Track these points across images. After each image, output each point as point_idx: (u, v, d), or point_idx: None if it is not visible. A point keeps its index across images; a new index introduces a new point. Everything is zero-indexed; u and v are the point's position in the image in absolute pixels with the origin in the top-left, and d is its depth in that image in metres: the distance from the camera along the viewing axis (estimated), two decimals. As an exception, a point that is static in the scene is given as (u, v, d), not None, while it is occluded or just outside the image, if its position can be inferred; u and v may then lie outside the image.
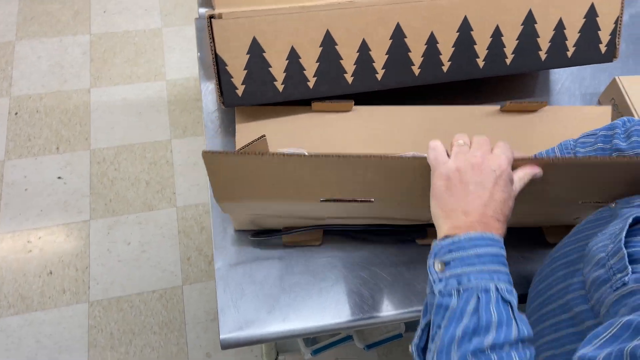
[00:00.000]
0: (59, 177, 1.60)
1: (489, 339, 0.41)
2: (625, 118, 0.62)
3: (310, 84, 0.74)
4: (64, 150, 1.64)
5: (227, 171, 0.56)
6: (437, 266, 0.47)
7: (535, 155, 0.68)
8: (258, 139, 0.68)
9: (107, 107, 1.73)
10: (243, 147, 0.68)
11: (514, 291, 0.45)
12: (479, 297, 0.43)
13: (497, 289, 0.44)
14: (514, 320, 0.42)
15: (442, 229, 0.49)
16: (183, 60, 1.85)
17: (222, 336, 0.68)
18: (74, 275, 1.45)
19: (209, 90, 0.87)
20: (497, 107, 0.77)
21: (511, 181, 0.50)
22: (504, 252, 0.47)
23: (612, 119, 0.89)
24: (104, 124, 1.70)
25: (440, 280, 0.46)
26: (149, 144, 1.67)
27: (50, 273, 1.46)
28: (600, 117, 0.77)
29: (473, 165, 0.49)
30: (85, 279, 1.45)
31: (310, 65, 0.73)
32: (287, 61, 0.72)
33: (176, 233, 1.53)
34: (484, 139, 0.51)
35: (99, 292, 1.43)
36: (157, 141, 1.68)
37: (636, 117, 0.83)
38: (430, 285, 0.47)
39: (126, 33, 1.89)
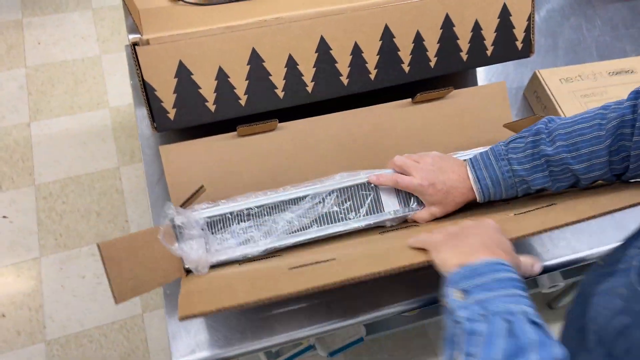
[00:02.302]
0: (4, 217, 1.55)
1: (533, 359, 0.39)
2: (546, 119, 0.64)
3: (242, 102, 0.75)
4: (7, 188, 1.59)
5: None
6: (456, 294, 0.46)
7: (470, 160, 0.68)
8: (197, 191, 0.66)
9: (50, 140, 1.70)
10: (184, 203, 0.67)
11: (539, 315, 0.44)
12: (509, 321, 0.42)
13: (523, 312, 0.43)
14: (551, 340, 0.41)
15: (451, 262, 0.50)
16: (125, 86, 1.82)
17: (174, 361, 0.68)
18: (28, 316, 1.40)
19: (144, 116, 0.87)
20: (409, 100, 0.80)
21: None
22: (520, 277, 0.47)
23: (535, 111, 0.94)
24: (48, 157, 1.66)
25: (464, 307, 0.44)
26: (97, 174, 1.64)
27: (3, 316, 1.40)
28: (498, 93, 0.82)
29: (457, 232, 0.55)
30: (40, 318, 1.40)
31: (239, 84, 0.74)
32: (216, 81, 0.73)
33: (132, 261, 1.50)
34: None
35: (55, 330, 1.39)
36: (105, 170, 1.65)
37: (557, 106, 0.88)
38: (450, 315, 0.46)
39: (64, 63, 1.86)
